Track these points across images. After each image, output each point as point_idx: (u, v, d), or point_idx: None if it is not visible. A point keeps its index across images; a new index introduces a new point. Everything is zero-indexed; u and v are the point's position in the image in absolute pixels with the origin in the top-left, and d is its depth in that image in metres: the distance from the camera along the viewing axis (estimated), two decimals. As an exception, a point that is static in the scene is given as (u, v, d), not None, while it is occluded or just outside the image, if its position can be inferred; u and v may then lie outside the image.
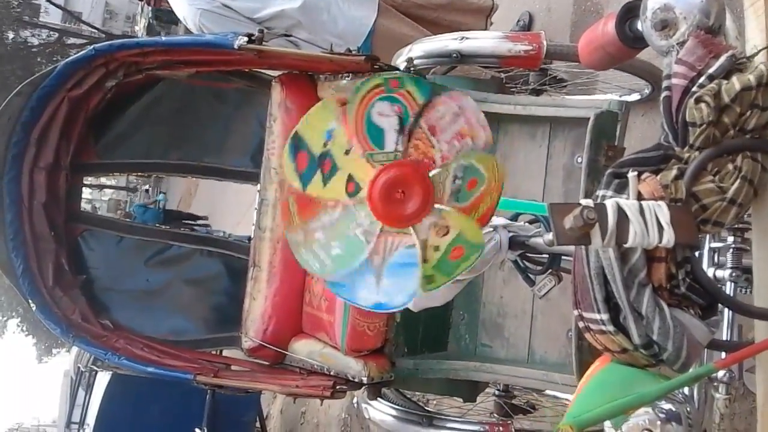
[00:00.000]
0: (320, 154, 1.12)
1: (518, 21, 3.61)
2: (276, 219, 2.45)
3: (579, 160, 2.17)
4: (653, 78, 2.54)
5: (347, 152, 1.09)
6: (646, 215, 0.83)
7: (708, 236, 1.14)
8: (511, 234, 1.62)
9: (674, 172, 0.89)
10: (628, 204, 0.83)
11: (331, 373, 2.27)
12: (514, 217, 1.72)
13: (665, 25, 1.04)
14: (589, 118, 1.96)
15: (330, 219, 1.12)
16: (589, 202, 0.81)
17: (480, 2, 3.06)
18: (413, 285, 1.11)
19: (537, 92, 2.65)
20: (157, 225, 6.81)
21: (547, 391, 2.48)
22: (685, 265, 0.88)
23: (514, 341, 2.27)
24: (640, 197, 0.86)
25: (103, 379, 4.74)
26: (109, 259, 2.76)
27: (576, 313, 0.93)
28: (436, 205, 1.00)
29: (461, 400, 2.45)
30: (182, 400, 4.34)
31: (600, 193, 0.88)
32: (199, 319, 2.74)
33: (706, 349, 1.01)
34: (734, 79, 0.90)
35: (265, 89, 2.56)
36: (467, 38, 2.19)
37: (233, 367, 2.53)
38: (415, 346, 2.38)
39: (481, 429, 2.10)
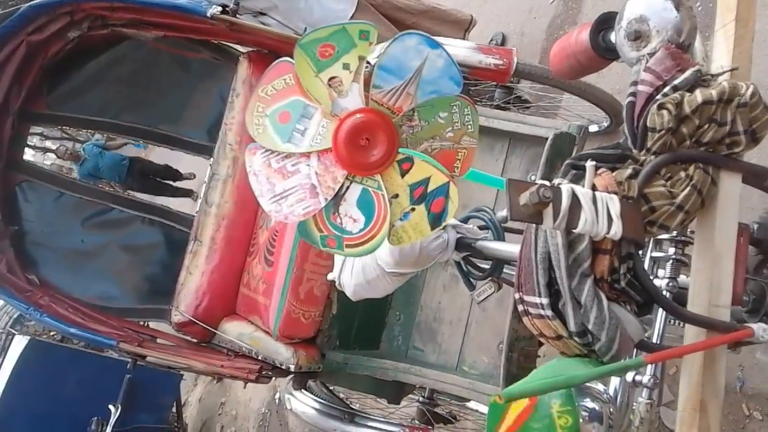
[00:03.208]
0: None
1: (491, 39, 3.66)
2: (224, 195, 2.41)
3: (533, 177, 2.19)
4: (614, 112, 2.60)
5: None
6: (598, 205, 0.84)
7: (650, 246, 1.17)
8: (459, 235, 1.62)
9: (629, 171, 0.91)
10: (583, 191, 0.84)
11: (259, 358, 2.24)
12: (465, 220, 1.73)
13: (638, 37, 1.07)
14: (547, 138, 1.99)
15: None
16: (546, 183, 0.82)
17: (458, 15, 3.09)
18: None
19: (500, 109, 2.69)
20: (103, 184, 6.63)
21: (471, 404, 2.49)
22: (628, 261, 0.90)
23: (446, 347, 2.27)
24: (594, 189, 0.88)
25: (19, 343, 4.57)
26: (45, 213, 2.68)
27: (517, 296, 0.94)
28: (403, 151, 0.98)
29: (385, 401, 2.43)
30: (100, 375, 4.21)
31: (557, 181, 0.89)
32: (130, 288, 2.68)
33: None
34: (697, 92, 0.93)
35: (231, 64, 2.53)
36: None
37: (159, 341, 2.47)
38: (348, 341, 2.36)
39: (401, 431, 2.09)
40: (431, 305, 2.33)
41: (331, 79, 1.03)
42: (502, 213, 0.83)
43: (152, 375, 4.33)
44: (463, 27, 3.08)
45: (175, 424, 4.53)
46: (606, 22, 1.18)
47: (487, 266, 1.78)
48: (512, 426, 0.84)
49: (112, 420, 3.70)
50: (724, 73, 0.96)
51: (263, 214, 2.40)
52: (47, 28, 2.44)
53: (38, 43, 2.45)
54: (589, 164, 0.89)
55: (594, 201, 0.84)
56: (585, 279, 0.87)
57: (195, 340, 2.44)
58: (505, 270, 1.69)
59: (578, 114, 2.71)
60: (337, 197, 1.00)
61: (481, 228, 1.73)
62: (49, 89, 2.65)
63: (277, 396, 4.40)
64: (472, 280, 1.78)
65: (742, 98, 0.92)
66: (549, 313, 0.89)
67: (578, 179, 0.90)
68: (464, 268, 1.75)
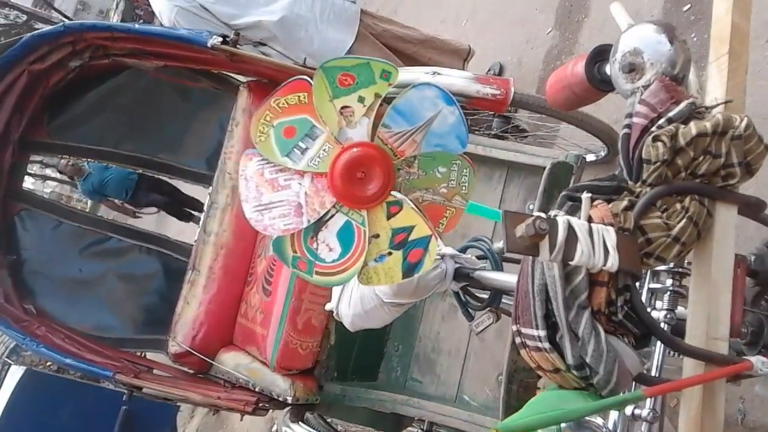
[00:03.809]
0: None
1: (489, 69, 3.69)
2: (223, 224, 2.41)
3: (531, 206, 2.19)
4: (611, 141, 2.61)
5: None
6: (594, 237, 0.84)
7: (647, 277, 1.16)
8: (457, 265, 1.62)
9: (625, 203, 0.91)
10: (579, 223, 0.84)
11: (256, 389, 2.22)
12: (463, 250, 1.73)
13: (632, 69, 1.07)
14: (545, 168, 1.99)
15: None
16: (542, 215, 0.82)
17: (457, 45, 3.12)
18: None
19: (498, 138, 2.70)
20: (107, 203, 6.40)
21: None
22: (625, 293, 0.89)
23: (444, 378, 2.25)
24: (590, 221, 0.88)
25: (15, 373, 4.52)
26: (43, 242, 2.68)
27: (514, 328, 0.93)
28: (395, 194, 0.98)
29: (384, 433, 2.41)
30: (95, 407, 4.15)
31: (553, 213, 0.89)
32: (127, 318, 2.66)
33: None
34: (692, 124, 0.93)
35: (231, 93, 2.54)
36: (439, 74, 2.23)
37: (155, 372, 2.45)
38: (346, 373, 2.34)
39: (399, 464, 2.07)
40: (430, 336, 2.32)
41: (344, 108, 1.03)
42: (499, 245, 0.83)
43: (148, 406, 4.26)
44: (461, 57, 3.11)
45: (172, 456, 4.46)
46: (601, 54, 1.19)
47: (486, 296, 1.78)
48: None
49: (108, 452, 3.64)
50: (718, 105, 0.97)
51: (262, 242, 2.40)
52: (49, 58, 2.46)
53: (40, 72, 2.47)
54: (585, 196, 0.89)
55: (590, 233, 0.84)
56: (582, 311, 0.87)
57: (192, 371, 2.42)
58: (503, 300, 1.69)
59: (576, 143, 2.72)
60: (320, 222, 1.00)
61: (479, 258, 1.73)
62: (50, 118, 2.67)
63: (274, 429, 4.34)
64: (470, 310, 1.77)
65: (736, 131, 0.92)
66: (546, 345, 0.88)
67: (574, 211, 0.90)
68: (462, 298, 1.74)
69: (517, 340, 0.93)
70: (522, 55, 3.42)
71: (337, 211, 1.00)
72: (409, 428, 2.47)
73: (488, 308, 1.71)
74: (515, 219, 0.81)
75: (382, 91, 1.04)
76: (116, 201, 6.56)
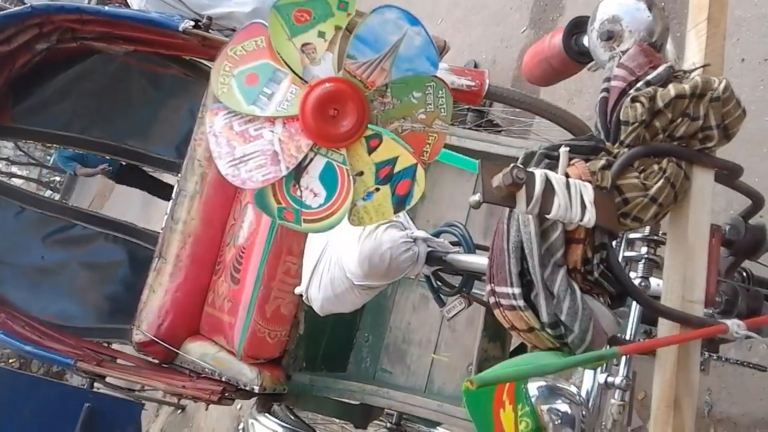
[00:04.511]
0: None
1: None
2: (191, 212, 2.36)
3: (504, 196, 2.18)
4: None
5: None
6: (572, 191, 0.82)
7: (623, 245, 1.15)
8: (430, 249, 1.60)
9: (602, 162, 0.90)
10: (556, 177, 0.82)
11: (222, 379, 2.17)
12: (437, 235, 1.71)
13: (611, 37, 1.07)
14: (517, 158, 1.98)
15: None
16: (520, 165, 0.80)
17: (434, 40, 3.11)
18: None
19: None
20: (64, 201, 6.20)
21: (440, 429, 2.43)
22: (601, 251, 0.88)
23: (414, 369, 2.22)
24: (567, 177, 0.86)
25: (-25, 368, 4.41)
26: (5, 229, 2.60)
27: (489, 287, 0.91)
28: (373, 127, 0.95)
29: (352, 426, 2.37)
30: (58, 404, 4.04)
31: (531, 169, 0.87)
32: (90, 306, 2.59)
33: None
34: (670, 86, 0.92)
35: (202, 80, 2.50)
36: None
37: (119, 361, 2.39)
38: (315, 362, 2.30)
39: (366, 456, 2.03)
40: (400, 326, 2.29)
41: (304, 45, 0.99)
42: (475, 197, 0.80)
43: (112, 405, 4.17)
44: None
45: (134, 453, 4.36)
46: (578, 26, 1.18)
47: (458, 282, 1.75)
48: None
49: (69, 450, 3.55)
50: (696, 69, 0.96)
51: (230, 230, 2.36)
52: (15, 40, 2.39)
53: (5, 54, 2.40)
54: (563, 149, 0.88)
55: (567, 187, 0.82)
56: (558, 269, 0.85)
57: (156, 361, 2.36)
58: (475, 288, 1.67)
59: (549, 139, 2.72)
60: (300, 168, 0.96)
61: (452, 244, 1.71)
62: (15, 102, 2.60)
63: (240, 427, 4.28)
64: (442, 296, 1.75)
65: (714, 92, 0.92)
66: (521, 303, 0.86)
67: (551, 169, 0.88)
68: (434, 283, 1.72)
69: (491, 300, 0.90)
70: (496, 53, 3.43)
71: (315, 154, 0.96)
72: (376, 421, 2.43)
73: (460, 293, 1.69)
74: (492, 170, 0.79)
75: (342, 22, 1.01)
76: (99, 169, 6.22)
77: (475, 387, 0.70)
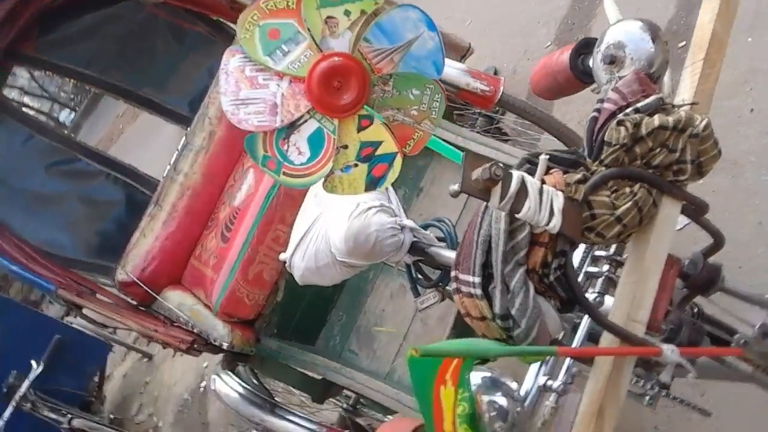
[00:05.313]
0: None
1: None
2: (194, 167, 2.42)
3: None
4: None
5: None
6: (544, 197, 0.87)
7: (587, 261, 1.20)
8: (415, 239, 1.65)
9: (579, 176, 0.95)
10: (532, 181, 0.88)
11: (195, 330, 2.23)
12: (425, 227, 1.75)
13: (613, 61, 1.12)
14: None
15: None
16: (500, 163, 0.85)
17: (458, 40, 3.15)
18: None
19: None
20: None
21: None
22: (560, 257, 0.94)
23: (380, 355, 2.27)
24: (543, 184, 0.91)
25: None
26: (12, 152, 2.66)
27: (453, 273, 0.97)
28: (368, 108, 1.01)
29: (310, 398, 2.42)
30: (29, 331, 4.11)
31: (511, 171, 0.92)
32: (81, 240, 2.66)
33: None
34: (656, 116, 0.98)
35: (226, 42, 2.55)
36: None
37: (98, 296, 2.44)
38: (286, 331, 2.36)
39: (318, 429, 2.07)
40: (375, 311, 2.34)
41: (329, 18, 1.05)
42: (455, 186, 0.85)
43: (81, 340, 4.26)
44: (459, 53, 3.13)
45: (95, 393, 4.43)
46: (587, 46, 1.23)
47: (436, 276, 1.80)
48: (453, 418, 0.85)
49: (32, 376, 3.63)
50: (684, 105, 1.01)
51: (228, 190, 2.41)
52: (50, -27, 2.44)
53: (37, -14, 2.45)
54: (543, 157, 0.93)
55: (540, 192, 0.87)
56: (518, 267, 0.90)
57: (134, 303, 2.42)
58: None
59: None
60: (293, 125, 1.02)
61: (438, 239, 1.75)
62: (41, 33, 2.64)
63: (202, 384, 4.34)
64: (418, 287, 1.80)
65: (695, 129, 0.97)
66: (478, 292, 0.91)
67: (531, 174, 0.93)
68: (413, 274, 1.77)
69: (453, 285, 0.96)
70: (518, 64, 3.48)
71: (310, 117, 1.02)
72: (333, 399, 2.48)
73: (436, 287, 1.74)
74: (475, 162, 0.84)
75: (369, 8, 1.06)
76: None
77: (419, 355, 0.75)
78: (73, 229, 2.63)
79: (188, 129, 2.50)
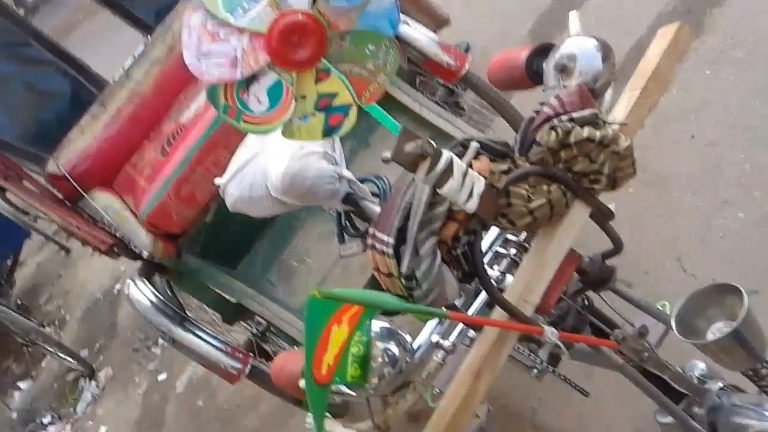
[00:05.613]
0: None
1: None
2: (147, 76, 2.41)
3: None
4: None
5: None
6: (467, 179, 0.95)
7: (499, 240, 1.31)
8: (350, 190, 1.71)
9: (504, 167, 1.03)
10: (459, 163, 0.95)
11: (117, 234, 2.24)
12: (362, 181, 1.81)
13: (563, 70, 1.20)
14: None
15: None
16: (432, 142, 0.92)
17: (437, 9, 3.17)
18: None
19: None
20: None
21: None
22: (470, 235, 1.03)
23: (296, 290, 2.34)
24: (470, 167, 0.99)
25: None
26: None
27: (371, 230, 1.04)
28: (325, 62, 1.06)
29: (220, 318, 2.48)
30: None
31: (443, 150, 1.00)
32: (18, 125, 2.62)
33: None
34: (586, 128, 1.06)
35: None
36: (408, 24, 2.29)
37: (25, 183, 2.42)
38: (208, 252, 2.41)
39: (224, 348, 2.13)
40: (300, 249, 2.41)
41: None
42: (387, 154, 0.92)
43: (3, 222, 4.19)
44: (435, 22, 3.16)
45: (5, 277, 4.39)
46: (545, 50, 1.30)
47: (364, 228, 1.87)
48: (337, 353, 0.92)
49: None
50: (615, 124, 1.10)
51: (177, 106, 2.41)
52: None
53: None
54: (474, 144, 1.01)
55: (464, 175, 0.95)
56: (431, 236, 0.99)
57: (60, 197, 2.41)
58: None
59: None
60: (252, 78, 1.06)
61: (373, 194, 1.82)
62: None
63: (117, 286, 4.34)
64: (345, 235, 1.87)
65: (617, 147, 1.06)
66: (390, 251, 1.00)
67: (460, 156, 1.01)
68: (342, 222, 1.83)
69: (369, 240, 1.04)
70: (491, 44, 3.53)
71: (270, 70, 1.06)
72: (244, 323, 2.54)
73: (362, 237, 1.80)
74: (409, 137, 0.91)
75: None
76: None
77: (321, 297, 0.83)
78: (12, 113, 2.59)
79: (149, 38, 2.47)
